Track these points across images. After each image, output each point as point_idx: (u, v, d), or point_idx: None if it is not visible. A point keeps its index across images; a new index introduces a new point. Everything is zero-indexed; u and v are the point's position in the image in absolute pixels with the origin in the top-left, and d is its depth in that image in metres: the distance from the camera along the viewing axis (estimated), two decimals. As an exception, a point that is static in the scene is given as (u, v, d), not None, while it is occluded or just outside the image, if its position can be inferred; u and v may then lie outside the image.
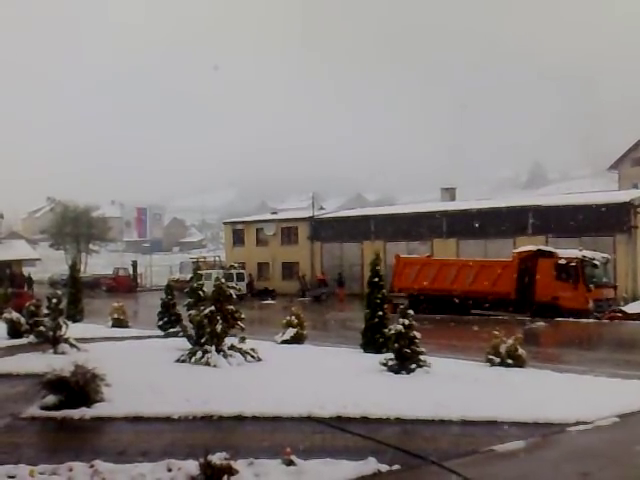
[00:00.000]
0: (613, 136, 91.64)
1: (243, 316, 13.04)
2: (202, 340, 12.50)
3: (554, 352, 17.42)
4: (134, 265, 57.87)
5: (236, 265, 29.24)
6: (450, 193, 49.92)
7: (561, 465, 6.46)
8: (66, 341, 13.74)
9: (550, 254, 27.15)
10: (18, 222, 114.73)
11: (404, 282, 29.49)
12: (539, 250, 27.65)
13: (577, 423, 7.76)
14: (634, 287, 32.97)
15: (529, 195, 64.43)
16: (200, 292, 16.28)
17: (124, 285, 53.16)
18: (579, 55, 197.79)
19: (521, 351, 12.00)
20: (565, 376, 11.10)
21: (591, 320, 24.80)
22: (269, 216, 55.39)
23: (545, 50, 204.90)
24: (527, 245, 29.40)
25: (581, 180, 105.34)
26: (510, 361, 11.83)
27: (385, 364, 11.36)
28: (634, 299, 30.95)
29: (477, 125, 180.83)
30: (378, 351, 13.15)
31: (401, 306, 12.16)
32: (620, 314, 25.69)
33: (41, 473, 5.80)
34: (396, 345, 11.34)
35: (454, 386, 9.99)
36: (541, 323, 23.11)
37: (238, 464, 5.75)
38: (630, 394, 9.22)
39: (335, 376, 10.89)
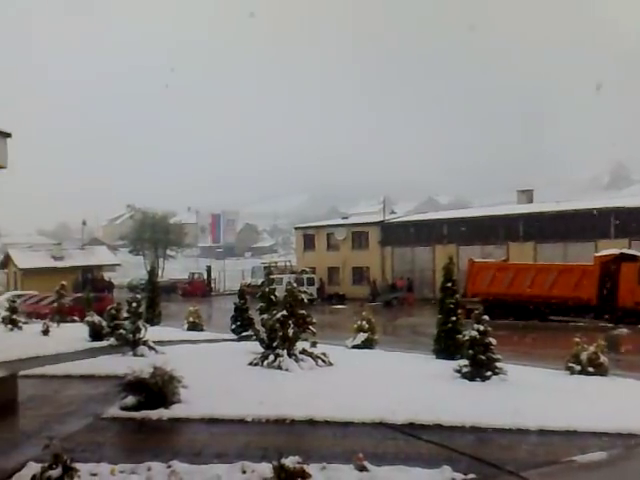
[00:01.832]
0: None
1: (314, 320, 13.09)
2: (274, 344, 12.63)
3: (638, 360, 16.60)
4: (208, 270, 59.24)
5: (307, 270, 29.51)
6: (527, 195, 48.52)
7: (648, 479, 6.14)
8: (145, 343, 14.17)
9: (634, 258, 26.01)
10: (99, 229, 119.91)
11: (478, 287, 28.86)
12: (622, 254, 26.55)
13: (664, 435, 7.36)
14: None
15: (611, 197, 61.82)
16: (272, 297, 16.51)
17: (199, 289, 54.49)
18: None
19: (603, 359, 11.52)
20: (651, 385, 10.56)
21: (679, 327, 23.52)
22: (340, 221, 55.49)
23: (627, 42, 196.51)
24: (609, 249, 28.26)
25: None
26: (591, 369, 11.38)
27: (459, 371, 11.13)
28: None
29: (557, 125, 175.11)
30: (451, 357, 12.92)
31: (475, 312, 11.88)
32: None
33: (121, 472, 5.99)
34: (470, 351, 11.09)
35: (532, 394, 9.68)
36: (624, 330, 22.13)
37: (311, 468, 5.76)
38: None
39: (407, 382, 10.76)
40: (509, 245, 38.96)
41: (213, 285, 59.12)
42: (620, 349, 18.28)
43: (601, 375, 11.29)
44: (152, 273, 27.24)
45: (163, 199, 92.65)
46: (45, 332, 18.58)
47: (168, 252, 74.70)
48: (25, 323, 21.58)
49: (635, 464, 6.70)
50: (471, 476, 6.07)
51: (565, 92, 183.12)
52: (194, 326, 21.70)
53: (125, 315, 15.49)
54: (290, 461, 5.61)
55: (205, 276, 58.85)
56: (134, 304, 14.82)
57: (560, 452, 6.86)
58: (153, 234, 72.06)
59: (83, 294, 29.95)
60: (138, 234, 73.40)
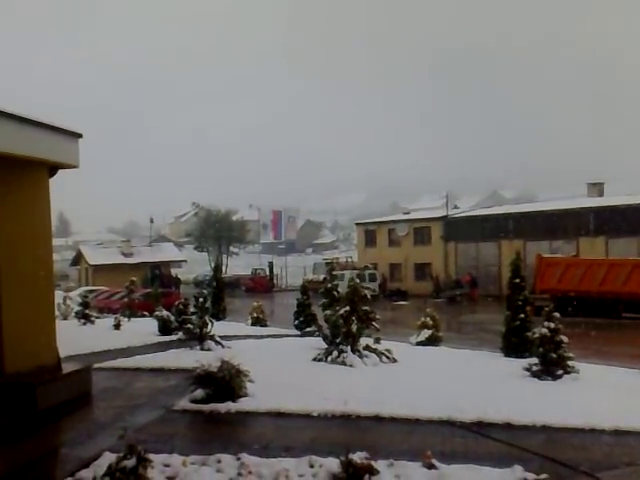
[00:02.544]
0: None
1: (378, 316, 13.03)
2: (337, 340, 12.64)
3: None
4: (270, 266, 59.96)
5: (369, 266, 29.35)
6: (598, 188, 46.88)
7: None
8: (211, 338, 14.43)
9: None
10: (166, 226, 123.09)
11: (547, 283, 28.10)
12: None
13: None
14: None
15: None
16: (335, 292, 16.53)
17: (261, 285, 55.23)
18: None
19: (682, 358, 11.00)
20: None
21: None
22: (401, 216, 55.12)
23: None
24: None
25: None
26: (671, 368, 10.88)
27: (529, 369, 10.86)
28: None
29: (626, 115, 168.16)
30: (520, 355, 12.65)
31: (546, 308, 11.54)
32: None
33: (192, 463, 6.10)
34: (541, 349, 10.82)
35: (606, 394, 9.34)
36: None
37: (378, 464, 5.72)
38: None
39: (474, 379, 10.56)
40: (579, 240, 37.80)
41: (275, 281, 59.82)
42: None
43: (681, 375, 10.79)
44: (217, 269, 27.74)
45: (227, 197, 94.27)
46: (117, 326, 19.20)
47: (231, 248, 76.02)
48: (97, 318, 22.40)
49: None
50: (543, 476, 5.90)
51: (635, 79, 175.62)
52: (258, 321, 22.00)
53: (192, 310, 15.84)
54: (358, 456, 5.60)
55: (267, 272, 59.62)
56: (201, 299, 15.11)
57: (636, 454, 6.59)
58: (217, 231, 73.49)
59: (151, 290, 30.83)
60: (202, 231, 75.01)
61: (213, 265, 35.17)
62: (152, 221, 66.79)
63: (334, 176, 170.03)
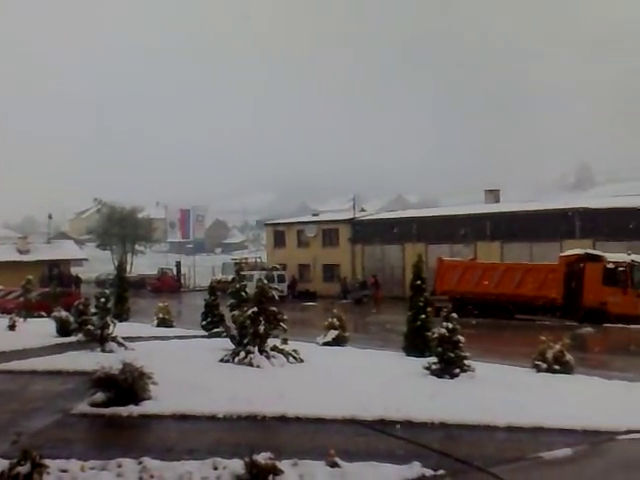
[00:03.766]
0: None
1: (285, 317, 13.11)
2: (245, 341, 12.62)
3: (603, 359, 17.01)
4: (178, 266, 58.80)
5: (278, 267, 29.36)
6: (494, 195, 49.18)
7: (611, 475, 6.32)
8: (113, 340, 14.02)
9: (598, 258, 26.52)
10: (66, 223, 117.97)
11: (447, 285, 29.21)
12: (587, 254, 27.03)
13: (628, 432, 7.57)
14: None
15: (576, 197, 62.99)
16: (243, 293, 16.47)
17: (168, 285, 54.05)
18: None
19: (569, 357, 11.78)
20: (614, 383, 10.85)
21: (641, 326, 24.10)
22: (310, 218, 55.54)
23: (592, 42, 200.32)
24: (574, 249, 28.79)
25: (629, 182, 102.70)
26: (557, 367, 11.62)
27: (428, 368, 11.27)
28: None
29: (522, 126, 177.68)
30: (421, 355, 13.07)
31: (444, 309, 12.04)
32: (671, 320, 24.92)
33: (91, 468, 5.93)
34: (439, 349, 11.24)
35: (499, 391, 9.84)
36: (589, 329, 22.59)
37: (283, 464, 5.79)
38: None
39: (378, 379, 10.85)
40: (477, 244, 39.42)
41: (183, 281, 58.71)
42: (585, 348, 18.67)
43: (567, 373, 11.53)
44: (120, 268, 26.94)
45: (131, 193, 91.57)
46: (11, 327, 18.24)
47: (136, 247, 73.86)
48: (-10, 318, 21.19)
49: (599, 460, 6.88)
50: (440, 472, 6.17)
51: (534, 91, 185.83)
52: (164, 322, 21.55)
53: (93, 310, 15.32)
54: (262, 457, 5.64)
55: (175, 272, 58.43)
56: (102, 299, 14.65)
57: (527, 448, 7.00)
58: (121, 229, 71.17)
59: (50, 289, 29.53)
60: (105, 228, 72.41)
61: (117, 264, 34.07)
62: (51, 217, 63.71)
63: (243, 176, 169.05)
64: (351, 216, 48.77)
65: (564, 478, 6.20)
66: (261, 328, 12.49)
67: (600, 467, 6.62)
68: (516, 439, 7.52)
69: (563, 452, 6.82)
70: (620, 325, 23.87)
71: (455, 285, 28.99)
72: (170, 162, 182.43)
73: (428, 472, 6.09)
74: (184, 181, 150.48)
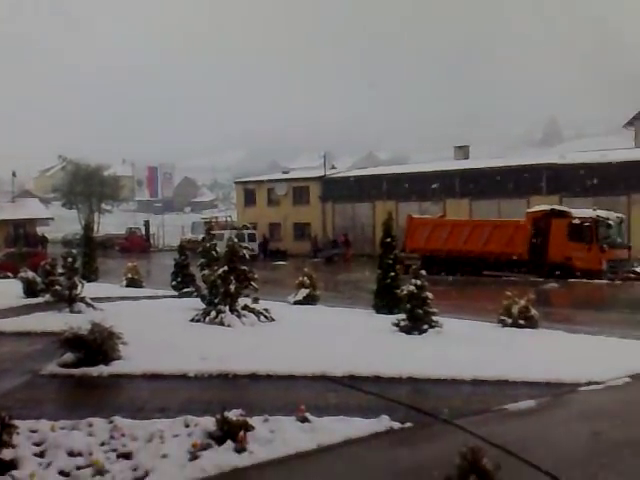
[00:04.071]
0: (633, 91, 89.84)
1: (256, 276, 13.13)
2: (216, 300, 12.63)
3: (566, 313, 17.45)
4: (146, 225, 58.17)
5: (248, 225, 29.24)
6: (463, 151, 49.36)
7: (572, 424, 6.53)
8: (82, 300, 13.92)
9: (564, 214, 26.93)
10: (30, 181, 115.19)
11: (416, 243, 29.46)
12: (553, 210, 27.40)
13: (589, 383, 7.81)
14: (649, 248, 32.71)
15: (544, 153, 63.56)
16: (213, 252, 16.40)
17: (137, 245, 53.53)
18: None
19: (533, 312, 12.03)
20: (577, 337, 11.15)
21: (604, 281, 24.75)
22: (280, 175, 55.18)
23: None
24: (541, 205, 29.16)
25: (597, 137, 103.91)
26: (522, 322, 11.87)
27: (397, 324, 11.42)
28: (648, 260, 30.78)
29: (492, 81, 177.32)
30: (390, 312, 13.21)
31: (414, 266, 12.16)
32: (634, 275, 25.63)
33: (62, 428, 5.93)
34: (408, 306, 11.38)
35: (466, 346, 10.05)
36: (554, 284, 23.11)
37: (254, 420, 5.87)
38: (642, 355, 9.26)
39: (348, 336, 10.99)
40: (446, 201, 39.66)
41: (152, 241, 58.21)
42: (550, 302, 19.12)
43: (531, 327, 11.80)
44: (87, 228, 26.57)
45: (96, 150, 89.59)
46: (-24, 288, 17.97)
47: (103, 206, 72.74)
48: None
49: (561, 411, 7.11)
50: (408, 424, 6.32)
51: (503, 45, 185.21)
52: (133, 283, 21.40)
53: (60, 271, 15.14)
54: (233, 414, 5.71)
55: (143, 231, 57.84)
56: (69, 259, 14.48)
57: (492, 401, 7.18)
58: (87, 187, 69.87)
59: (15, 249, 29.04)
60: (71, 186, 71.02)
61: (84, 223, 33.52)
62: (14, 175, 62.18)
63: (212, 133, 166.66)
64: (321, 174, 48.60)
65: (527, 428, 6.39)
66: (232, 287, 12.50)
67: (562, 417, 6.84)
68: (481, 392, 7.71)
69: (527, 404, 7.03)
70: (584, 280, 24.46)
71: (424, 243, 29.26)
72: (137, 119, 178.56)
73: (396, 425, 6.23)
74: (151, 138, 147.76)
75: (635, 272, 26.03)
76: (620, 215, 27.99)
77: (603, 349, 9.97)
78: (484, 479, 2.10)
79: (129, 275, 21.71)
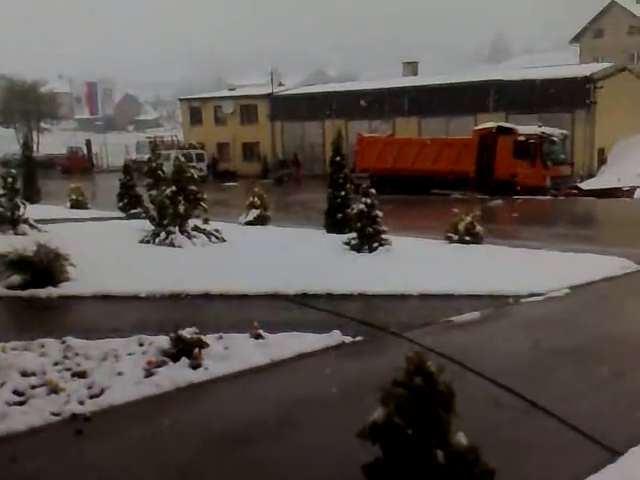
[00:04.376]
0: (579, 8, 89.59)
1: (205, 197, 12.99)
2: (165, 221, 12.46)
3: (510, 229, 17.98)
4: (88, 144, 56.19)
5: (196, 145, 28.59)
6: (412, 67, 48.72)
7: (514, 332, 6.88)
8: (25, 222, 13.55)
9: (510, 131, 27.18)
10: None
11: (366, 162, 29.46)
12: (499, 127, 27.60)
13: (530, 295, 8.15)
14: (590, 164, 33.63)
15: (492, 69, 63.53)
16: (159, 172, 16.09)
17: (79, 165, 51.85)
18: None
19: (479, 228, 12.33)
20: (520, 251, 11.51)
21: (548, 197, 25.48)
22: (227, 93, 53.63)
23: None
24: (487, 122, 29.32)
25: (544, 53, 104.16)
26: (468, 238, 12.15)
27: (348, 243, 11.56)
28: (590, 176, 31.76)
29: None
30: (341, 231, 13.28)
31: (363, 185, 12.21)
32: (576, 191, 26.45)
33: (13, 349, 5.89)
34: (358, 224, 11.48)
35: (414, 263, 10.30)
36: (499, 201, 23.66)
37: (208, 338, 5.96)
38: (581, 267, 9.68)
39: (299, 255, 11.07)
40: (395, 120, 39.43)
41: (95, 161, 56.45)
42: (495, 219, 19.65)
43: (477, 243, 12.12)
44: (26, 147, 25.51)
45: (31, 64, 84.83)
46: None
47: (42, 125, 69.76)
48: None
49: (504, 321, 7.46)
50: (359, 338, 6.53)
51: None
52: (78, 204, 20.86)
53: (0, 192, 14.59)
54: (187, 332, 5.77)
55: (85, 151, 55.92)
56: (10, 179, 13.97)
57: (438, 314, 7.43)
58: (23, 104, 66.60)
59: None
60: (6, 104, 67.59)
61: (22, 143, 32.15)
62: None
63: (154, 46, 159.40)
64: (269, 91, 47.44)
65: (472, 338, 6.70)
66: (181, 208, 12.35)
67: (504, 327, 7.19)
68: (429, 306, 7.98)
69: (471, 315, 7.33)
70: (528, 197, 25.11)
71: (374, 162, 29.28)
72: (73, 31, 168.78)
73: (347, 339, 6.42)
74: (89, 52, 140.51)
75: (577, 188, 26.85)
76: (564, 132, 28.52)
77: (545, 262, 10.37)
78: (428, 380, 2.23)
79: (73, 196, 21.13)
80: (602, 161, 34.12)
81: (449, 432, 2.29)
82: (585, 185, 27.70)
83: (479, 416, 4.44)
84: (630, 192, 25.27)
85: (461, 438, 2.30)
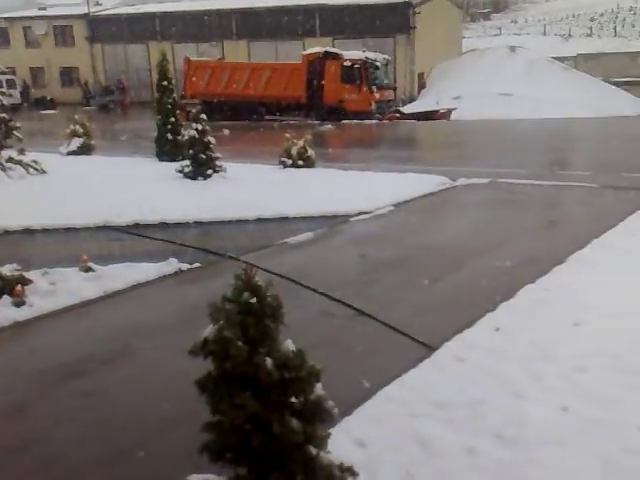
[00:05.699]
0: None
1: (19, 125, 12.00)
2: (-26, 153, 11.34)
3: (340, 152, 18.59)
4: None
5: (5, 70, 25.89)
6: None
7: (344, 249, 7.27)
8: None
9: (336, 56, 27.57)
10: None
11: (196, 88, 28.57)
12: (326, 52, 27.84)
13: (359, 213, 8.61)
14: (411, 88, 35.29)
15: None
16: (-37, 100, 14.40)
17: None
18: None
19: (310, 152, 12.62)
20: (349, 173, 11.99)
21: (373, 121, 26.52)
22: (37, 12, 48.54)
23: None
24: (315, 47, 29.44)
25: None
26: (301, 162, 12.41)
27: (181, 171, 11.33)
28: (411, 100, 33.45)
29: None
30: (173, 159, 12.94)
31: (193, 111, 11.91)
32: (398, 115, 27.77)
33: None
34: (191, 151, 11.27)
35: (249, 188, 10.36)
36: (329, 126, 24.23)
37: (31, 274, 5.64)
38: (404, 186, 10.32)
39: (129, 184, 10.68)
40: (224, 43, 38.34)
41: None
42: (325, 143, 20.15)
43: (309, 167, 12.43)
44: None
45: None
46: None
47: None
48: None
49: (335, 239, 7.83)
50: (196, 265, 6.53)
51: None
52: None
53: None
54: (7, 269, 5.44)
55: None
56: None
57: (274, 237, 7.63)
58: None
59: None
60: None
61: None
62: None
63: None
64: (85, 11, 43.64)
65: (305, 257, 6.98)
66: (-9, 138, 11.27)
67: (335, 245, 7.56)
68: (264, 229, 8.16)
69: (305, 236, 7.61)
70: (355, 121, 25.98)
71: (204, 88, 28.47)
72: None
73: (184, 266, 6.40)
74: None
75: (400, 112, 28.19)
76: (386, 57, 29.51)
77: (371, 183, 10.90)
78: (256, 293, 2.35)
79: None
80: (422, 85, 35.92)
81: (277, 341, 2.42)
82: (407, 109, 29.13)
83: (311, 326, 4.77)
84: (447, 114, 27.06)
85: (289, 345, 2.44)
